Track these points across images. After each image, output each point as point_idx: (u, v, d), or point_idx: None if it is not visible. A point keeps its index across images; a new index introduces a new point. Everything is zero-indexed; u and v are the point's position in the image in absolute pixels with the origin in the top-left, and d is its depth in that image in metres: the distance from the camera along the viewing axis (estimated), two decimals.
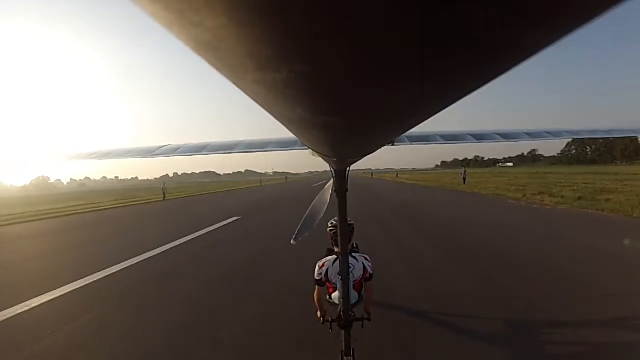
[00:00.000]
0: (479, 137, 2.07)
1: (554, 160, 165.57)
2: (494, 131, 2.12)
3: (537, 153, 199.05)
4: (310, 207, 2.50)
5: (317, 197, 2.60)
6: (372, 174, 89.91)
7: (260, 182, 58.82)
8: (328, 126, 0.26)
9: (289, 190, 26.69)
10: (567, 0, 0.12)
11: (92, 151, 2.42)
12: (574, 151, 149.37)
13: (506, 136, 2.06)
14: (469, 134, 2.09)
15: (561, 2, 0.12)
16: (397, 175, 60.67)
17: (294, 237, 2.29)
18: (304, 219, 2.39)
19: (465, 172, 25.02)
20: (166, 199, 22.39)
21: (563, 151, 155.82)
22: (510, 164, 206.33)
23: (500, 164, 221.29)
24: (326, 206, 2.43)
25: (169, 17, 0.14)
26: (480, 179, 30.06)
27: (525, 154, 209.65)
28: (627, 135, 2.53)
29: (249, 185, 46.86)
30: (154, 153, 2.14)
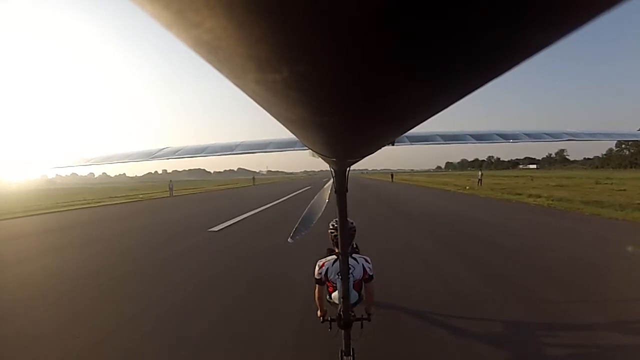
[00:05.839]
0: (479, 138, 2.07)
1: (597, 162, 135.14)
2: (494, 132, 2.11)
3: (565, 154, 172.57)
4: (309, 206, 2.49)
5: (315, 196, 2.60)
6: (392, 176, 47.42)
7: (170, 191, 25.88)
8: (328, 126, 0.25)
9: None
10: (567, 0, 0.12)
11: (91, 156, 2.37)
12: (625, 151, 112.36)
13: (505, 137, 2.05)
14: (468, 134, 2.09)
15: (561, 2, 0.12)
16: (480, 182, 24.20)
17: (291, 235, 2.26)
18: (301, 217, 2.38)
19: None
20: None
21: (610, 150, 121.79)
22: (534, 166, 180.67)
23: (521, 166, 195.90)
24: (324, 206, 2.42)
25: (169, 17, 0.14)
26: None
27: (553, 154, 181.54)
28: (629, 140, 2.48)
29: (160, 194, 25.98)
30: (153, 156, 2.12)
